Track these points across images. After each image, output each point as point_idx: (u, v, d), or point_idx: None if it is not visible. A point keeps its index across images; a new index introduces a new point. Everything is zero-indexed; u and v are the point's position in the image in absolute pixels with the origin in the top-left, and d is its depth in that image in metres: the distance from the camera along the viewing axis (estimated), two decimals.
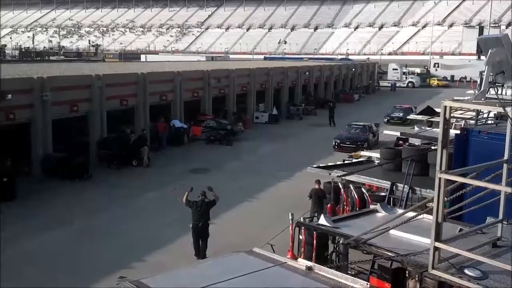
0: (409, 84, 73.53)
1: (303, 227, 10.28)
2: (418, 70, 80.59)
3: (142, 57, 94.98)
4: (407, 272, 5.46)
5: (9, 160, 20.15)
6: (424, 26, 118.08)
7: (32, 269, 13.41)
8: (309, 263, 7.63)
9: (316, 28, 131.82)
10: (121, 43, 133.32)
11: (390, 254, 7.58)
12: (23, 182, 20.25)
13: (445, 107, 5.46)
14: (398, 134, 20.70)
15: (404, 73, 75.63)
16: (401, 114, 37.99)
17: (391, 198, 13.15)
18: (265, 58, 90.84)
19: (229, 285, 6.90)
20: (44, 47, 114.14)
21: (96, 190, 20.79)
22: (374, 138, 30.04)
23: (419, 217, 8.26)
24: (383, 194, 14.13)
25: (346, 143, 28.27)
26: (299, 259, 8.22)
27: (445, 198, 5.73)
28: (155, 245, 14.83)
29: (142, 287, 6.81)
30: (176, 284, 6.97)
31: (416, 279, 5.36)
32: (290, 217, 11.66)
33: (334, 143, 28.61)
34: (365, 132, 29.59)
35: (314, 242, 9.82)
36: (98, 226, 16.67)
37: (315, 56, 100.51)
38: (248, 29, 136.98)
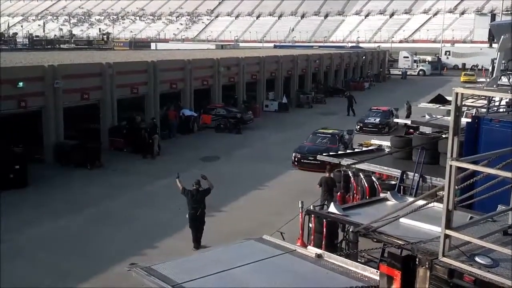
0: (420, 72, 73.02)
1: (313, 215, 10.30)
2: (429, 58, 79.98)
3: (152, 45, 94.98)
4: (417, 259, 5.45)
5: (22, 147, 20.32)
6: (435, 14, 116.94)
7: (44, 253, 13.59)
8: (319, 251, 7.67)
9: (326, 16, 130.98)
10: (131, 31, 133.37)
11: (400, 242, 7.59)
12: (35, 169, 20.45)
13: (457, 94, 5.42)
14: (408, 122, 20.59)
15: (415, 61, 75.11)
16: (377, 120, 30.96)
17: (401, 187, 13.12)
18: (275, 46, 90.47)
19: (240, 272, 6.96)
20: (55, 35, 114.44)
21: (108, 177, 20.94)
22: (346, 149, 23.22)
23: (430, 205, 8.24)
24: (393, 182, 14.11)
25: (309, 158, 21.75)
26: (309, 247, 8.26)
27: (456, 187, 5.71)
28: (166, 231, 14.94)
29: (153, 274, 6.89)
30: (187, 271, 7.03)
31: (426, 266, 5.36)
32: (300, 205, 11.69)
33: (293, 158, 22.69)
34: (334, 142, 23.44)
35: (324, 230, 9.85)
36: (109, 212, 16.82)
37: (325, 44, 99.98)
38: (258, 17, 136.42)
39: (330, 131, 24.86)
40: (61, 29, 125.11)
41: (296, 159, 22.55)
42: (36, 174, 20.09)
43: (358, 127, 30.57)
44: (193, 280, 6.64)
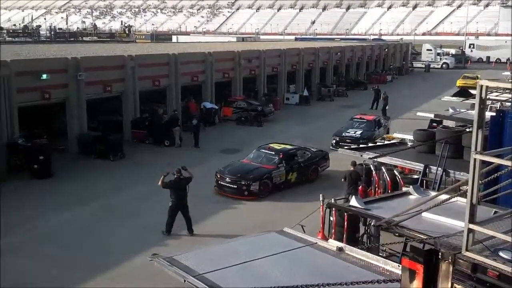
0: (444, 65, 72.05)
1: (334, 208, 10.29)
2: (452, 51, 78.93)
3: (174, 38, 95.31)
4: (440, 254, 5.41)
5: (46, 138, 20.63)
6: (459, 6, 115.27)
7: (66, 241, 13.85)
8: (340, 244, 7.65)
9: (348, 8, 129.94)
10: (152, 24, 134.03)
11: (422, 236, 7.54)
12: (59, 160, 20.75)
13: (481, 86, 5.35)
14: (432, 116, 20.36)
15: (438, 54, 74.14)
16: (358, 133, 24.46)
17: (424, 181, 13.00)
18: (296, 39, 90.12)
19: (261, 264, 6.98)
20: (78, 28, 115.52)
21: (130, 168, 21.11)
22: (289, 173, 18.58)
23: (453, 200, 8.18)
24: (415, 176, 13.99)
25: (227, 181, 17.77)
26: (330, 240, 8.25)
27: (480, 181, 5.64)
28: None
29: (175, 264, 6.96)
30: (208, 261, 7.09)
31: (449, 261, 5.32)
32: (321, 198, 11.67)
33: (214, 179, 18.18)
34: (273, 163, 18.59)
35: (345, 223, 9.83)
36: (131, 202, 16.98)
37: (347, 37, 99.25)
38: (279, 9, 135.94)
39: (280, 147, 19.54)
40: (83, 22, 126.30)
41: (215, 180, 18.16)
42: (59, 165, 20.37)
43: (334, 141, 24.20)
44: (215, 270, 6.69)
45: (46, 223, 15.10)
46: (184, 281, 6.57)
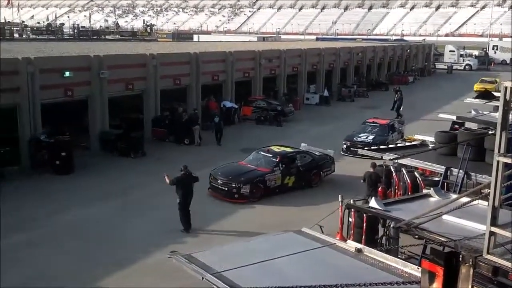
0: (466, 67, 71.17)
1: (353, 209, 10.24)
2: (476, 53, 77.90)
3: (195, 37, 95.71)
4: (460, 256, 5.35)
5: (68, 135, 20.90)
6: (483, 7, 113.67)
7: (82, 236, 14.02)
8: (359, 245, 7.62)
9: (370, 8, 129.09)
10: (174, 23, 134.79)
11: (442, 239, 7.47)
12: (81, 157, 21.02)
13: (506, 88, 5.28)
14: (454, 118, 20.13)
15: (461, 55, 73.23)
16: (370, 138, 23.60)
17: (445, 183, 12.85)
18: (317, 39, 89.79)
19: (279, 263, 6.98)
20: (100, 26, 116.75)
21: (150, 166, 21.25)
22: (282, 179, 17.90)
23: (474, 203, 8.09)
24: (436, 178, 13.84)
25: (218, 182, 17.44)
26: (349, 241, 8.22)
27: (502, 184, 5.57)
28: (205, 220, 15.09)
29: (193, 261, 6.99)
30: (226, 260, 7.12)
31: (470, 263, 5.25)
32: (339, 199, 11.63)
33: (209, 182, 17.80)
34: (268, 165, 18.06)
35: (364, 225, 9.78)
36: (150, 200, 17.11)
37: (369, 37, 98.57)
38: (300, 9, 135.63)
39: (279, 150, 18.90)
40: (106, 20, 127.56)
41: (209, 181, 17.70)
42: (81, 161, 20.64)
43: (345, 146, 23.48)
44: (233, 269, 6.71)
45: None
46: (202, 278, 6.60)
